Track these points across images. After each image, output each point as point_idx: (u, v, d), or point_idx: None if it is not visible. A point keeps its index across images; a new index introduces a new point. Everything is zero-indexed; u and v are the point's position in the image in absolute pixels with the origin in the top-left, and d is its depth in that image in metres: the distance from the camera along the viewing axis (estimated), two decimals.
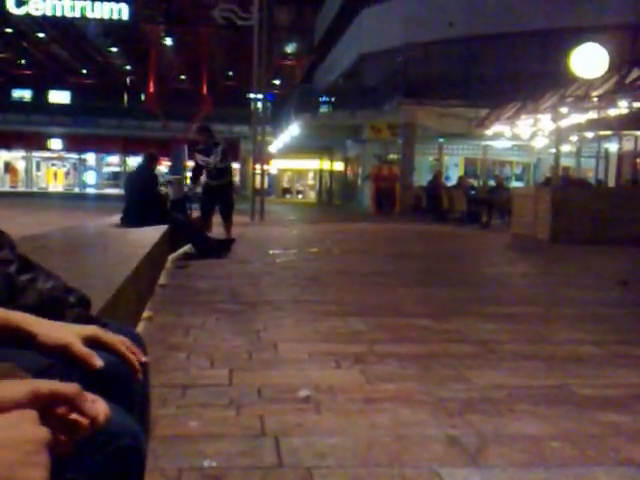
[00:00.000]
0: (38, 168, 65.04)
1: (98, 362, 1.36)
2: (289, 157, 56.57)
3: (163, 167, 46.50)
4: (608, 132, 22.37)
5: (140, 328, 5.18)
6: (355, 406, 3.53)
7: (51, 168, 65.72)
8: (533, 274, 10.85)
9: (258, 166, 25.37)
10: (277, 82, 60.90)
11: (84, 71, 63.39)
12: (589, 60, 19.28)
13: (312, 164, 59.14)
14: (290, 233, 18.61)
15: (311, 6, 51.24)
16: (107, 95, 60.57)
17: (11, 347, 1.33)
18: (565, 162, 25.03)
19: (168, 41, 52.92)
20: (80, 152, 62.96)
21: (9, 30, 49.33)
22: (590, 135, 22.75)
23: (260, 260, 11.10)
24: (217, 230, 12.91)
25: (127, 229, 9.78)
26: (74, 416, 0.92)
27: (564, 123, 18.91)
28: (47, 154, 63.05)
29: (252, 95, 26.00)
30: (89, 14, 40.51)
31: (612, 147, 26.45)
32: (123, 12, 41.15)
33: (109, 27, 46.27)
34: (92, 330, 1.44)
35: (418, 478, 2.66)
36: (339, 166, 50.56)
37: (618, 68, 18.13)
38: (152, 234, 8.71)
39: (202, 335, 5.15)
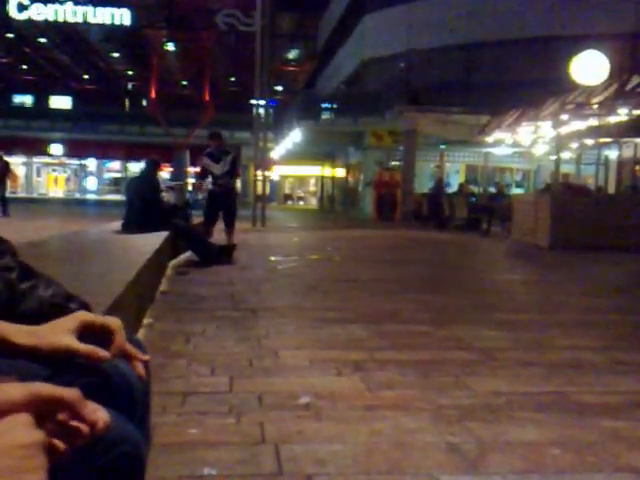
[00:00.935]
0: (39, 174, 65.07)
1: (103, 353, 1.36)
2: (291, 163, 56.53)
3: (165, 173, 46.47)
4: (608, 139, 22.37)
5: (141, 335, 5.17)
6: (355, 413, 3.54)
7: (52, 174, 65.76)
8: (533, 281, 10.85)
9: (260, 172, 25.35)
10: (279, 88, 60.87)
11: (85, 76, 63.43)
12: (589, 67, 19.28)
13: (314, 170, 59.10)
14: (291, 240, 18.60)
15: (314, 12, 51.23)
16: (108, 100, 60.62)
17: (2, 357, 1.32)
18: (565, 169, 25.02)
19: (170, 47, 52.92)
20: (81, 158, 63.00)
21: (10, 35, 49.36)
22: (590, 142, 22.74)
23: (261, 267, 11.11)
24: (218, 236, 12.90)
25: (128, 235, 9.77)
26: (74, 423, 0.92)
27: (564, 130, 18.90)
28: (48, 160, 63.08)
29: (254, 101, 26.00)
30: (91, 19, 40.51)
31: (612, 154, 26.45)
32: (125, 17, 41.18)
33: (111, 32, 46.28)
34: (79, 317, 1.43)
35: None
36: (341, 173, 50.50)
37: (618, 75, 18.12)
38: (153, 240, 8.71)
39: (203, 342, 5.15)
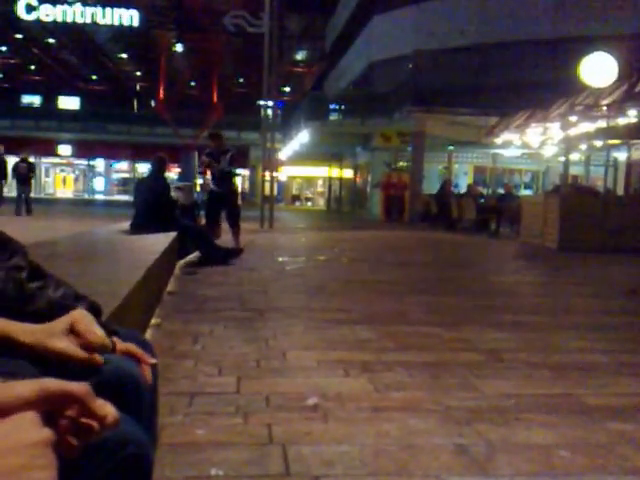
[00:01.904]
0: (47, 174, 65.15)
1: (97, 360, 1.37)
2: (299, 164, 56.55)
3: (173, 174, 46.53)
4: (617, 141, 22.30)
5: (148, 335, 5.17)
6: (363, 414, 3.53)
7: (60, 174, 65.84)
8: (541, 283, 10.83)
9: (267, 173, 25.36)
10: (287, 89, 60.93)
11: (94, 77, 63.54)
12: (598, 69, 19.24)
13: (321, 171, 59.05)
14: (299, 240, 18.60)
15: (322, 13, 51.26)
16: (117, 101, 60.72)
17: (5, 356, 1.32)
18: (574, 170, 24.98)
19: (178, 48, 53.01)
20: (89, 158, 63.11)
21: (19, 36, 49.48)
22: (599, 144, 22.68)
23: (269, 267, 11.10)
24: (227, 237, 12.89)
25: (136, 236, 9.76)
26: (84, 420, 0.92)
27: (573, 132, 18.90)
28: (56, 160, 63.18)
29: (262, 102, 26.01)
30: (99, 20, 40.58)
31: (621, 156, 26.37)
32: (134, 18, 41.24)
33: (119, 33, 46.37)
34: (69, 320, 1.42)
35: None
36: (348, 173, 50.53)
37: (627, 77, 18.08)
38: (161, 241, 8.71)
39: (210, 342, 5.15)
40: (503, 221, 22.27)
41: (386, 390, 4.00)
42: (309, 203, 65.36)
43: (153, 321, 5.76)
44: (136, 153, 57.69)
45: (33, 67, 61.30)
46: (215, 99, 55.06)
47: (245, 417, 3.39)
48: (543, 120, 19.62)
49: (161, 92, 54.58)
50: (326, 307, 7.13)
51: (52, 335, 1.36)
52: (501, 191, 28.65)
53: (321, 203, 62.72)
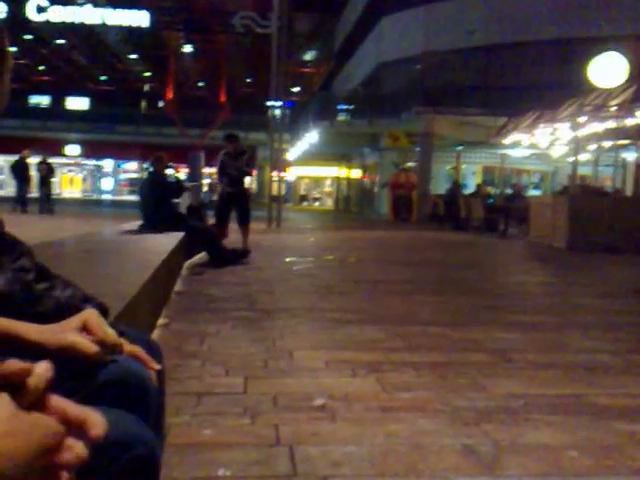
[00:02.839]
0: (55, 174, 65.19)
1: (108, 356, 1.37)
2: (307, 164, 56.60)
3: (182, 174, 46.51)
4: (626, 141, 22.25)
5: (156, 335, 5.18)
6: (371, 415, 3.52)
7: (67, 174, 65.87)
8: (550, 282, 10.81)
9: (275, 173, 25.38)
10: (296, 89, 60.92)
11: (103, 77, 63.62)
12: (608, 69, 19.24)
13: (330, 171, 59.14)
14: (307, 240, 18.59)
15: (331, 14, 51.27)
16: (125, 102, 60.74)
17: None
18: (583, 171, 24.91)
19: (187, 48, 53.04)
20: (98, 158, 63.17)
21: (29, 37, 49.55)
22: (608, 144, 22.64)
23: (276, 267, 11.10)
24: (235, 237, 12.88)
25: (143, 236, 9.78)
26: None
27: (582, 132, 18.84)
28: (64, 160, 63.21)
29: (270, 102, 26.03)
30: (109, 21, 40.60)
31: (630, 156, 26.31)
32: (143, 19, 41.25)
33: (129, 34, 46.42)
34: (85, 316, 1.43)
35: None
36: (357, 174, 50.54)
37: (637, 77, 18.05)
38: (168, 241, 8.72)
39: (217, 343, 5.15)
40: (511, 221, 22.24)
41: (394, 390, 3.99)
42: (317, 203, 65.39)
43: (161, 321, 5.77)
44: (144, 153, 57.65)
45: (42, 67, 61.34)
46: (223, 99, 55.05)
47: (252, 417, 3.39)
48: (552, 120, 19.56)
49: (169, 92, 54.57)
50: (334, 307, 7.12)
51: (64, 331, 1.37)
52: (510, 191, 28.63)
53: (329, 203, 62.80)
